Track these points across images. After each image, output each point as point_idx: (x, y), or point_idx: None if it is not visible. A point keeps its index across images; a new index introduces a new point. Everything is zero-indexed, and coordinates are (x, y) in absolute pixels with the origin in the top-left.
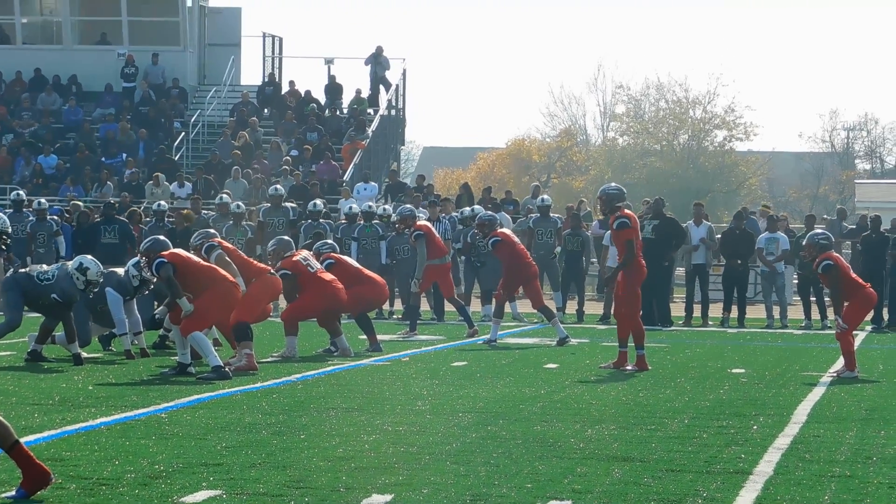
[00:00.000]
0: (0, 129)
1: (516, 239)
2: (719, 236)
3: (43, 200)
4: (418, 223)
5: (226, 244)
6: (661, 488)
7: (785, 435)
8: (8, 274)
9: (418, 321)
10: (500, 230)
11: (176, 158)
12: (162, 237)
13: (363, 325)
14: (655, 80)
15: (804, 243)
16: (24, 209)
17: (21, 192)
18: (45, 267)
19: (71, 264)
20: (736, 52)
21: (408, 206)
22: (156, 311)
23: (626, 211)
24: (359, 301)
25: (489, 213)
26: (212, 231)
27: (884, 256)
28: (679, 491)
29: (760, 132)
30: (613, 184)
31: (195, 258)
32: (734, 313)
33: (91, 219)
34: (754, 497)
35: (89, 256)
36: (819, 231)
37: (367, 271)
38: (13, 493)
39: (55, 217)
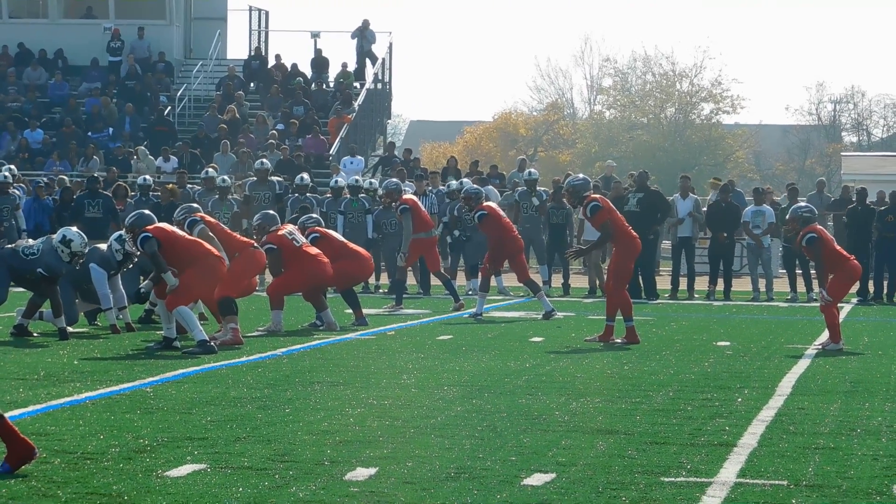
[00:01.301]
0: None
1: (502, 213)
2: (705, 209)
3: (6, 174)
4: (404, 197)
5: (209, 219)
6: (645, 461)
7: (769, 407)
8: None
9: (404, 295)
10: (485, 203)
11: (166, 130)
12: (147, 212)
13: (349, 299)
14: (642, 53)
15: (787, 217)
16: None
17: (7, 174)
18: (30, 241)
19: (55, 237)
20: (722, 25)
21: (394, 179)
22: (141, 286)
23: (594, 195)
24: (344, 275)
25: (475, 186)
26: (195, 206)
27: (869, 229)
28: (663, 463)
29: (747, 105)
30: (580, 175)
31: (180, 233)
32: (720, 286)
33: (73, 193)
34: (738, 469)
35: (73, 228)
36: (802, 204)
37: (352, 245)
38: None
39: (17, 190)
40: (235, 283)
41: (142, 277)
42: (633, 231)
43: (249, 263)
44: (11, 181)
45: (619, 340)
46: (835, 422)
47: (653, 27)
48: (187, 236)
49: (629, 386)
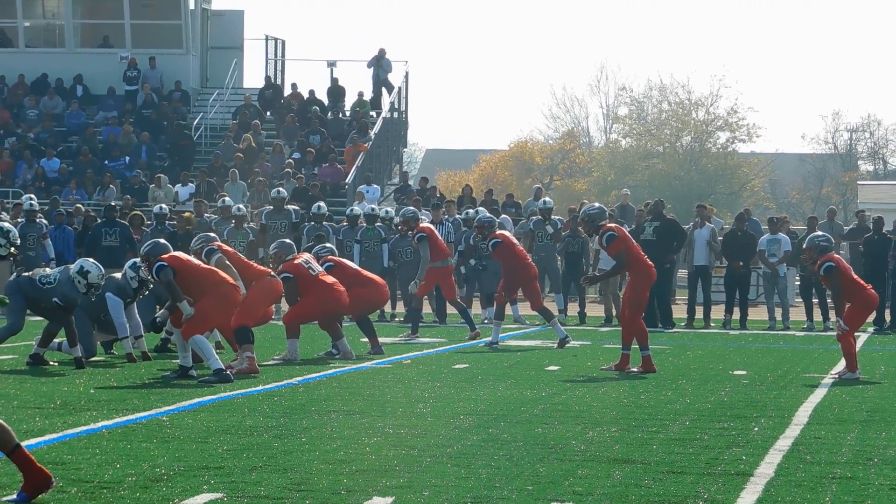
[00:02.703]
0: (3, 132)
1: (515, 241)
2: (721, 238)
3: (34, 202)
4: (421, 225)
5: (226, 247)
6: (662, 490)
7: (786, 437)
8: (11, 278)
9: (420, 324)
10: (499, 232)
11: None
12: (162, 240)
13: (364, 327)
14: (658, 81)
15: (804, 246)
16: (37, 219)
17: (34, 202)
18: (47, 270)
19: (72, 268)
20: (738, 54)
21: (411, 207)
22: (157, 315)
23: (610, 224)
24: (359, 303)
25: (488, 215)
26: (212, 235)
27: (886, 258)
28: (680, 493)
29: (763, 134)
30: (596, 204)
31: (195, 261)
32: (736, 315)
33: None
34: (755, 499)
35: (91, 260)
36: (819, 233)
37: (366, 272)
38: (14, 496)
39: (44, 220)
40: (252, 311)
41: (158, 307)
42: (648, 260)
43: (266, 292)
44: (37, 209)
45: (635, 369)
46: (852, 451)
47: (668, 56)
48: (203, 265)
49: (645, 415)
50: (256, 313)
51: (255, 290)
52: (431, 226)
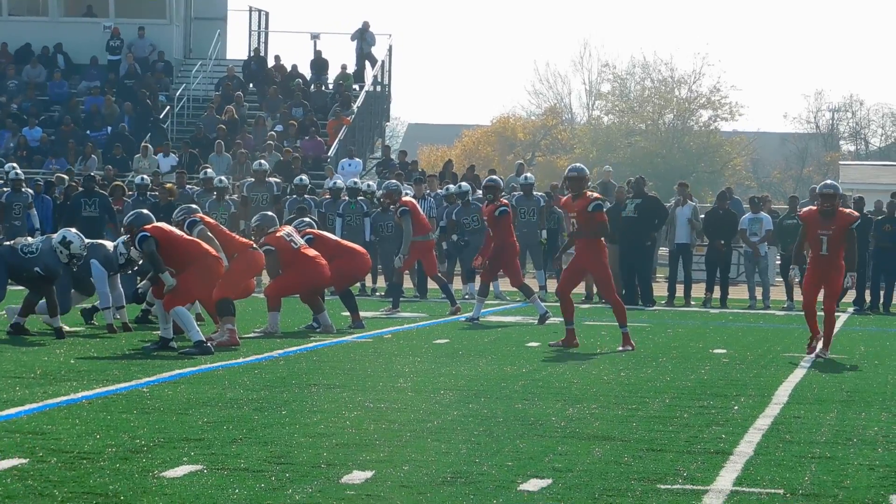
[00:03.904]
0: None
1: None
2: (703, 216)
3: (19, 171)
4: (404, 199)
5: (208, 219)
6: (641, 467)
7: (765, 416)
8: None
9: (401, 299)
10: (506, 201)
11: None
12: (145, 211)
13: (346, 301)
14: (641, 59)
15: (817, 190)
16: (23, 189)
17: (20, 171)
18: (29, 240)
19: (54, 238)
20: (722, 32)
21: (394, 181)
22: (139, 286)
23: (504, 200)
24: (341, 274)
25: (495, 177)
26: (194, 206)
27: (867, 238)
28: (660, 470)
29: (745, 112)
30: (579, 164)
31: (178, 232)
32: (717, 294)
33: (76, 191)
34: (734, 477)
35: (73, 230)
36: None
37: (347, 243)
38: None
39: (29, 189)
40: (234, 284)
41: (139, 278)
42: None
43: (248, 264)
44: (23, 178)
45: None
46: (831, 431)
47: (652, 33)
48: (185, 236)
49: (625, 392)
50: (238, 286)
51: (237, 263)
52: (414, 200)
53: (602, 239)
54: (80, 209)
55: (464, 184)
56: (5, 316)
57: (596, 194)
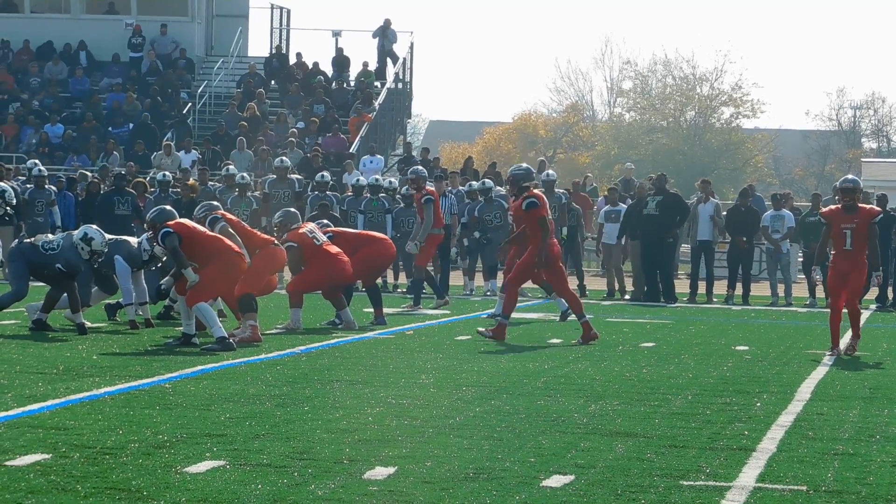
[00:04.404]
0: (7, 97)
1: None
2: (725, 213)
3: (41, 168)
4: (429, 188)
5: (229, 216)
6: (664, 464)
7: (788, 412)
8: (14, 244)
9: (422, 295)
10: (536, 192)
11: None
12: (168, 207)
13: (373, 296)
14: (663, 56)
15: (838, 186)
16: (45, 185)
17: (43, 168)
18: (50, 236)
19: (76, 234)
20: (744, 29)
21: (420, 167)
22: (161, 282)
23: (535, 191)
24: (368, 264)
25: (523, 165)
26: (215, 203)
27: (889, 236)
28: (682, 467)
29: (767, 110)
30: (524, 164)
31: (200, 228)
32: (739, 290)
33: (99, 189)
34: (757, 474)
35: (94, 226)
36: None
37: (368, 232)
38: None
39: (52, 186)
40: (255, 280)
41: (162, 275)
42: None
43: (269, 261)
44: (45, 175)
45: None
46: (854, 428)
47: (674, 30)
48: (208, 232)
49: (648, 389)
50: (259, 282)
51: (259, 259)
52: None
53: (540, 235)
54: (113, 207)
55: (487, 180)
56: (26, 313)
57: (537, 192)
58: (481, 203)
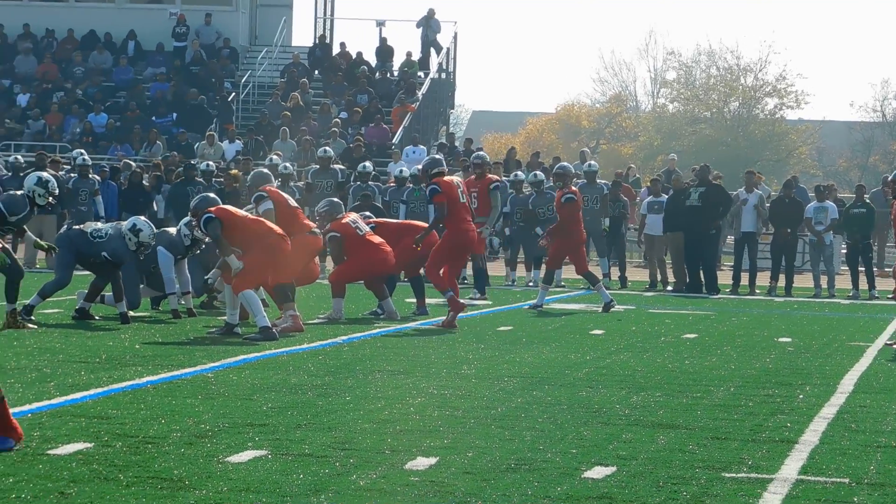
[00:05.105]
0: (51, 86)
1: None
2: (769, 205)
3: (86, 157)
4: (492, 177)
5: (274, 191)
6: (706, 456)
7: (831, 405)
8: (62, 230)
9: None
10: (574, 189)
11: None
12: (211, 194)
13: (415, 286)
14: (707, 46)
15: (889, 178)
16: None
17: (87, 157)
18: (99, 225)
19: (125, 225)
20: (788, 20)
21: (484, 153)
22: (208, 276)
23: (441, 178)
24: (410, 253)
25: (565, 164)
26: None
27: None
28: (724, 458)
29: (811, 101)
30: (437, 155)
31: (242, 213)
32: (782, 282)
33: (141, 179)
34: (800, 466)
35: (143, 218)
36: None
37: (411, 221)
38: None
39: (96, 176)
40: (289, 267)
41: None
42: (467, 225)
43: (299, 249)
44: (90, 164)
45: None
46: None
47: (718, 21)
48: (250, 216)
49: (690, 381)
50: (294, 270)
51: (293, 246)
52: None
53: (454, 226)
54: (187, 198)
55: (539, 172)
56: (78, 300)
57: (436, 178)
58: (534, 195)
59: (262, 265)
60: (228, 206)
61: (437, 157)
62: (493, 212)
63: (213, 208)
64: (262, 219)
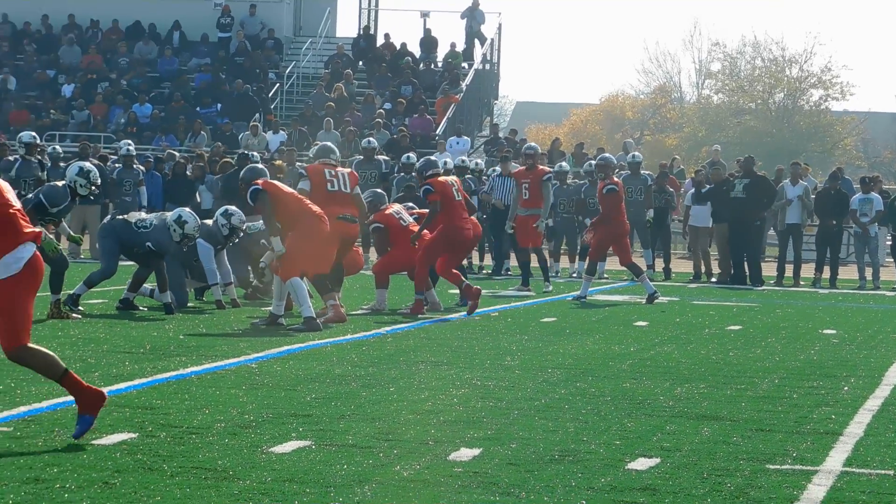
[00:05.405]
0: (96, 77)
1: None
2: (814, 196)
3: (131, 147)
4: (544, 168)
5: (314, 169)
6: (750, 447)
7: (876, 397)
8: (106, 220)
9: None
10: (616, 179)
11: (272, 107)
12: (260, 165)
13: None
14: (752, 37)
15: None
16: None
17: (131, 147)
18: (144, 215)
19: (170, 216)
20: (834, 11)
21: (535, 144)
22: (262, 260)
23: (436, 178)
24: None
25: (607, 155)
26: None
27: None
28: (768, 450)
29: (856, 92)
30: (433, 157)
31: (288, 189)
32: (826, 274)
33: (185, 170)
34: (844, 458)
35: (188, 209)
36: None
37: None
38: (76, 429)
39: (140, 166)
40: (323, 253)
41: (250, 268)
42: (462, 221)
43: (330, 233)
44: (134, 154)
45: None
46: None
47: (763, 12)
48: (294, 193)
49: (734, 372)
50: (327, 259)
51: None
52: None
53: (448, 223)
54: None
55: (593, 162)
56: (145, 294)
57: (437, 179)
58: (586, 184)
59: (303, 248)
60: (274, 181)
61: (432, 158)
62: (546, 203)
63: (260, 180)
64: (304, 199)
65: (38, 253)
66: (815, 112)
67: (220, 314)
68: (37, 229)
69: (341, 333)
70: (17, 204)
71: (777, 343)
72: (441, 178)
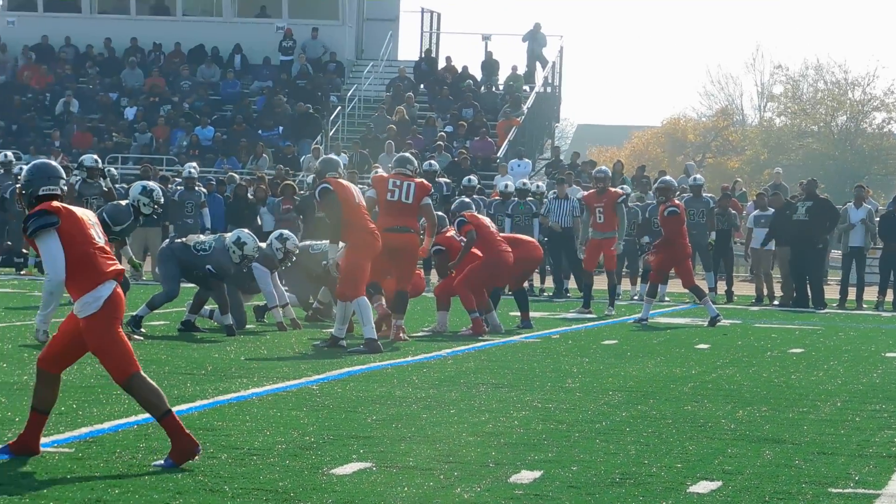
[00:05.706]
0: (159, 100)
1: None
2: (878, 219)
3: (194, 170)
4: (616, 191)
5: (379, 178)
6: (812, 471)
7: None
8: (165, 243)
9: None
10: (677, 202)
11: (332, 133)
12: (334, 157)
13: (519, 300)
14: (814, 60)
15: None
16: (196, 187)
17: (193, 170)
18: (202, 237)
19: (229, 237)
20: None
21: (606, 168)
22: (325, 261)
23: (467, 212)
24: (514, 267)
25: (667, 178)
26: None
27: None
28: (831, 474)
29: None
30: (466, 199)
31: (356, 193)
32: (889, 297)
33: (246, 192)
34: None
35: (247, 231)
36: None
37: (515, 235)
38: (161, 462)
39: (202, 188)
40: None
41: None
42: (503, 248)
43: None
44: (196, 177)
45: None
46: None
47: (825, 34)
48: (357, 206)
49: (796, 395)
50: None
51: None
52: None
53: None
54: (314, 210)
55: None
56: (213, 320)
57: (465, 213)
58: (652, 205)
59: (357, 265)
60: (344, 182)
61: (466, 200)
62: (622, 225)
63: (330, 178)
64: (363, 210)
65: (117, 288)
66: (877, 135)
67: (281, 336)
68: (119, 267)
69: (402, 355)
70: (101, 240)
71: (839, 366)
72: (472, 213)
